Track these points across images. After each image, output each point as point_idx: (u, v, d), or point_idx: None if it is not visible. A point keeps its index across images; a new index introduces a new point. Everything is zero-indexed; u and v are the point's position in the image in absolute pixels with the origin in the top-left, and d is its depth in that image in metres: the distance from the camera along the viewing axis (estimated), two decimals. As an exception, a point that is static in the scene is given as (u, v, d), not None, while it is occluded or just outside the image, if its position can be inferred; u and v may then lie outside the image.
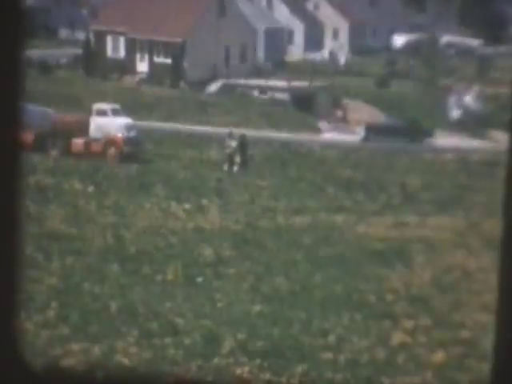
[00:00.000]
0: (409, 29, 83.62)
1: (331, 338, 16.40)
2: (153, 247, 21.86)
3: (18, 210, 3.23)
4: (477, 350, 15.75)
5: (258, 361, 15.18)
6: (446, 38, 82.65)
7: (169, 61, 54.58)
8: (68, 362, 14.43)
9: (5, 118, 3.10)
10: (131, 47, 55.71)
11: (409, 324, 17.16)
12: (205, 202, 27.40)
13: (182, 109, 46.91)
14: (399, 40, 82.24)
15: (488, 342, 16.10)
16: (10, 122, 3.13)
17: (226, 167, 32.72)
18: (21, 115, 3.15)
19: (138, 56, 55.78)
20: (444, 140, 46.65)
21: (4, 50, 3.08)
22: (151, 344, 15.72)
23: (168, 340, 15.93)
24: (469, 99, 56.83)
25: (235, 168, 32.78)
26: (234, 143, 33.29)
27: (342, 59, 73.10)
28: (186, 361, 15.17)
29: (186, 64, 54.49)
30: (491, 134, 50.51)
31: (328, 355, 15.59)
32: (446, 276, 20.63)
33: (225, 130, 36.70)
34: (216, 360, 15.26)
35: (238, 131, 36.16)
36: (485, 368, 14.94)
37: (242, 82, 53.64)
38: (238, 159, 33.09)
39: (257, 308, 17.92)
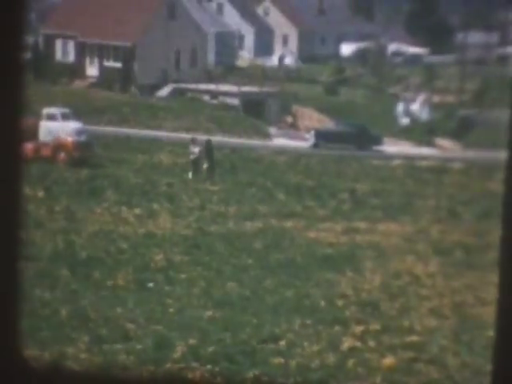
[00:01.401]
0: (357, 37, 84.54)
1: (282, 343, 16.48)
2: (103, 252, 21.75)
3: (18, 211, 3.25)
4: (425, 354, 15.99)
5: (209, 366, 15.19)
6: (393, 47, 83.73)
7: (119, 65, 54.32)
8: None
9: (4, 123, 3.12)
10: (81, 51, 55.29)
11: (359, 329, 17.32)
12: (156, 206, 27.36)
13: (133, 113, 46.71)
14: (347, 48, 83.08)
15: (436, 347, 16.39)
16: (9, 128, 3.14)
17: (190, 175, 32.48)
18: (21, 121, 3.17)
19: (87, 60, 55.40)
20: (392, 147, 47.27)
21: (4, 53, 3.09)
22: (102, 350, 15.64)
23: (119, 345, 15.85)
24: (416, 107, 57.67)
25: (202, 174, 32.56)
26: (197, 149, 33.14)
27: (292, 65, 73.57)
28: (137, 366, 15.13)
29: (136, 68, 54.27)
30: (438, 142, 51.32)
31: (279, 360, 15.66)
32: (395, 281, 20.89)
33: (175, 135, 36.67)
34: (167, 365, 15.24)
35: (191, 136, 36.12)
36: (433, 371, 15.19)
37: (193, 86, 53.65)
38: (204, 165, 32.95)
39: (208, 313, 17.94)
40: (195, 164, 32.78)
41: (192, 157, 32.97)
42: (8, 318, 3.26)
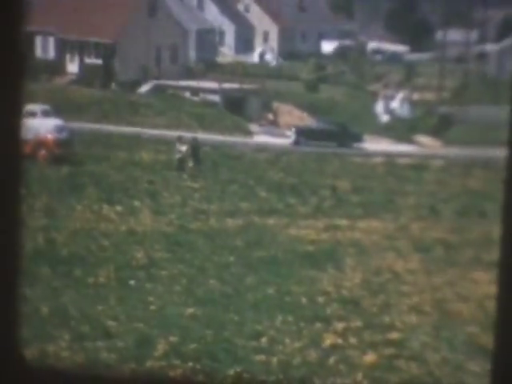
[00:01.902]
0: (337, 35, 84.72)
1: (264, 340, 16.52)
2: (85, 250, 21.68)
3: (17, 212, 3.24)
4: (406, 351, 16.09)
5: (190, 363, 15.20)
6: (372, 45, 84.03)
7: (99, 61, 54.11)
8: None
9: (4, 122, 3.11)
10: (61, 48, 55.03)
11: (340, 326, 17.40)
12: (137, 204, 27.30)
13: (114, 110, 46.56)
14: (328, 46, 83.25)
15: (417, 343, 16.49)
16: (10, 127, 3.13)
17: (176, 173, 32.38)
18: (21, 119, 3.16)
19: (68, 57, 55.14)
20: (373, 144, 47.41)
21: (5, 53, 3.08)
22: (83, 347, 15.61)
23: (100, 343, 15.83)
24: (396, 104, 57.89)
25: (188, 171, 32.46)
26: (184, 148, 33.04)
27: (273, 62, 73.60)
28: (118, 364, 15.12)
29: (116, 65, 54.09)
30: (418, 139, 51.52)
31: (261, 357, 15.70)
32: (376, 278, 20.98)
33: (156, 132, 36.60)
34: (149, 363, 15.24)
35: (172, 133, 36.05)
36: (414, 368, 15.29)
37: (174, 83, 53.54)
38: (190, 163, 32.86)
39: (190, 310, 17.94)
40: (181, 162, 32.71)
41: (178, 155, 32.89)
42: (7, 317, 3.25)
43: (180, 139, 33.82)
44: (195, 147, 33.34)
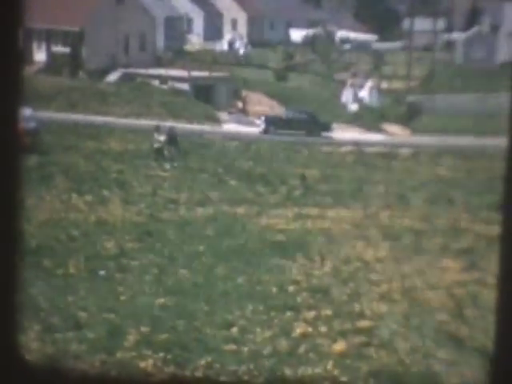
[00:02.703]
0: (306, 23, 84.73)
1: (234, 330, 16.54)
2: (54, 240, 21.55)
3: (17, 210, 3.21)
4: (376, 339, 16.20)
5: (161, 354, 15.19)
6: (341, 34, 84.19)
7: (67, 50, 53.66)
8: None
9: (3, 117, 3.08)
10: (28, 36, 54.45)
11: (310, 315, 17.46)
12: (106, 193, 27.17)
13: (82, 99, 46.24)
14: (296, 34, 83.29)
15: (386, 331, 16.61)
16: (8, 122, 3.10)
17: (154, 163, 32.24)
18: (19, 115, 3.13)
19: (35, 45, 54.60)
20: (341, 133, 47.59)
21: (2, 49, 3.05)
22: (53, 339, 15.53)
23: (71, 334, 15.76)
24: (364, 93, 58.13)
25: (167, 163, 32.29)
26: (162, 137, 32.86)
27: (241, 50, 73.48)
28: (89, 355, 15.06)
29: (84, 53, 53.68)
30: (386, 127, 51.80)
31: (231, 347, 15.71)
32: (345, 267, 21.08)
33: (126, 121, 36.43)
34: (120, 354, 15.20)
35: (143, 122, 35.90)
36: (384, 356, 15.40)
37: (142, 71, 53.29)
38: (166, 153, 32.70)
39: (160, 300, 17.90)
40: (159, 152, 32.56)
41: (156, 145, 32.73)
42: (7, 317, 3.24)
43: (158, 129, 33.69)
44: (173, 137, 33.21)
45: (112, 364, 14.75)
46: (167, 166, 32.19)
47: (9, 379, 3.22)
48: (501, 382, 2.89)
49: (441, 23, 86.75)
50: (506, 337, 2.87)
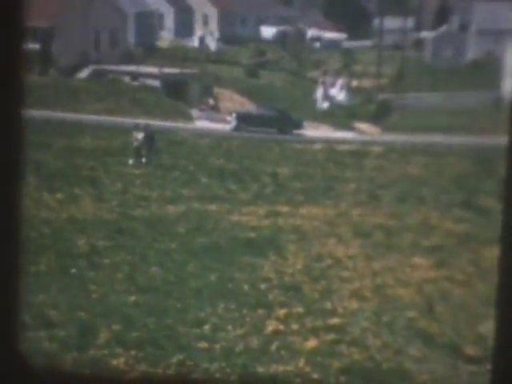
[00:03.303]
0: (276, 20, 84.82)
1: (207, 328, 16.57)
2: (25, 238, 21.40)
3: (17, 211, 3.21)
4: (347, 336, 16.31)
5: (133, 352, 15.18)
6: (311, 32, 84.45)
7: (37, 46, 53.25)
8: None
9: (5, 119, 3.08)
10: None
11: (282, 312, 17.54)
12: (78, 191, 27.05)
13: (52, 96, 45.94)
14: (267, 31, 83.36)
15: (358, 328, 16.74)
16: (11, 124, 3.10)
17: (131, 161, 32.08)
18: (22, 117, 3.13)
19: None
20: (313, 131, 47.74)
21: (5, 51, 3.05)
22: (25, 337, 15.45)
23: (42, 333, 15.71)
24: (335, 91, 58.33)
25: (143, 161, 32.12)
26: (141, 135, 32.68)
27: (213, 46, 73.38)
28: (61, 353, 15.02)
29: (54, 50, 53.32)
30: (357, 125, 52.05)
31: (204, 344, 15.75)
32: (317, 264, 21.19)
33: (97, 117, 36.27)
34: (91, 352, 15.18)
35: (115, 119, 35.75)
36: (355, 353, 15.52)
37: (113, 67, 53.05)
38: (144, 152, 32.53)
39: (132, 298, 17.89)
40: (138, 150, 32.39)
41: (136, 143, 32.55)
42: (7, 317, 3.25)
43: (137, 127, 33.55)
44: (149, 135, 33.06)
45: (84, 362, 14.72)
46: (144, 164, 32.07)
47: (9, 379, 3.23)
48: (501, 382, 2.92)
49: (410, 22, 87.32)
50: (506, 337, 2.90)
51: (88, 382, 3.41)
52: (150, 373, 14.50)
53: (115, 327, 16.13)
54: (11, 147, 3.16)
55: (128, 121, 39.86)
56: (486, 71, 68.55)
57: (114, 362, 14.93)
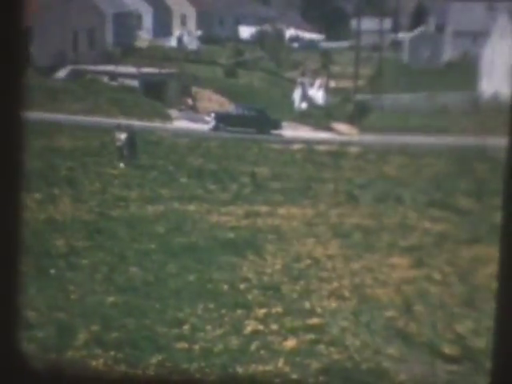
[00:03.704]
0: (255, 20, 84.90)
1: (186, 328, 16.56)
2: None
3: (18, 211, 3.21)
4: (326, 336, 16.37)
5: (112, 352, 15.15)
6: (290, 32, 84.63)
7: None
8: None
9: (6, 120, 3.08)
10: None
11: (261, 312, 17.57)
12: (56, 191, 26.94)
13: (30, 96, 45.67)
14: (245, 31, 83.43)
15: (337, 328, 16.80)
16: (12, 124, 3.11)
17: (121, 164, 31.97)
18: (22, 118, 3.14)
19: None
20: (291, 131, 47.86)
21: (5, 53, 3.05)
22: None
23: (20, 334, 15.63)
24: (313, 92, 58.50)
25: (124, 162, 32.02)
26: (123, 136, 32.56)
27: (191, 46, 73.33)
28: (39, 355, 14.96)
29: (32, 50, 53.04)
30: (335, 126, 52.21)
31: (183, 345, 15.74)
32: (296, 264, 21.24)
33: (75, 118, 36.14)
34: (70, 353, 15.13)
35: (93, 120, 35.62)
36: (334, 353, 15.58)
37: (91, 67, 52.89)
38: (126, 152, 32.42)
39: (111, 299, 17.85)
40: (120, 151, 32.28)
41: (118, 143, 32.44)
42: (7, 318, 3.25)
43: (119, 127, 33.45)
44: (131, 135, 32.96)
45: (62, 363, 14.68)
46: (126, 164, 31.98)
47: (9, 379, 3.24)
48: (501, 382, 2.94)
49: (387, 23, 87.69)
50: (506, 337, 2.93)
51: (88, 381, 3.43)
52: (151, 373, 14.49)
53: (94, 328, 16.08)
54: (11, 149, 3.18)
55: (106, 121, 39.73)
56: (462, 72, 69.00)
57: (93, 363, 14.89)
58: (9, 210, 3.27)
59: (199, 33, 79.04)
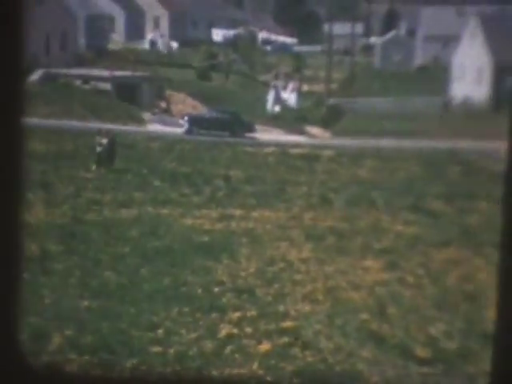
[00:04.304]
0: (228, 23, 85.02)
1: (160, 332, 16.57)
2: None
3: (18, 211, 3.24)
4: (300, 339, 16.45)
5: (87, 357, 15.12)
6: (262, 35, 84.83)
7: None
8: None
9: (7, 121, 3.11)
10: None
11: (235, 316, 17.61)
12: (29, 196, 26.80)
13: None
14: (218, 34, 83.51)
15: (311, 331, 16.89)
16: (12, 126, 3.13)
17: (94, 167, 31.82)
18: (23, 120, 3.16)
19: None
20: (264, 134, 47.99)
21: (5, 54, 3.07)
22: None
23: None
24: (286, 95, 58.71)
25: (104, 167, 31.84)
26: (105, 140, 32.40)
27: (164, 49, 73.24)
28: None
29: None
30: (308, 129, 52.43)
31: (157, 349, 15.74)
32: (270, 267, 21.31)
33: (48, 121, 35.97)
34: (44, 357, 15.08)
35: (65, 123, 35.47)
36: (308, 355, 15.67)
37: (64, 71, 52.69)
38: (105, 157, 32.23)
39: (85, 303, 17.81)
40: (100, 156, 32.11)
41: (99, 149, 32.26)
42: (7, 318, 3.28)
43: (101, 132, 33.32)
44: (111, 140, 32.84)
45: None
46: (105, 169, 31.85)
47: (9, 379, 3.27)
48: (501, 382, 3.00)
49: (359, 28, 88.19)
50: (506, 336, 2.98)
51: (88, 382, 3.47)
52: (151, 373, 14.48)
53: (68, 332, 16.03)
54: (11, 155, 3.22)
55: (79, 124, 39.60)
56: (433, 76, 69.55)
57: (68, 367, 14.85)
58: (9, 214, 3.32)
59: (172, 35, 79.01)
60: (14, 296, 3.44)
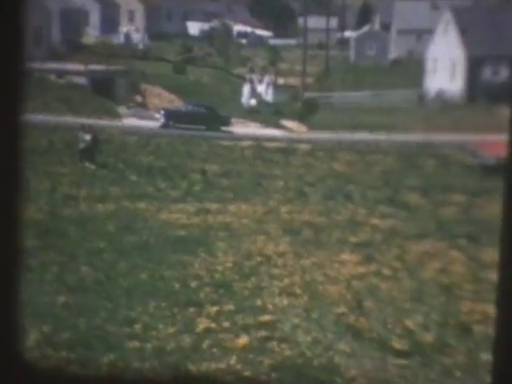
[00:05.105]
0: (203, 16, 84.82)
1: (137, 327, 16.53)
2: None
3: (17, 211, 3.21)
4: (278, 333, 16.49)
5: (64, 353, 15.06)
6: (237, 28, 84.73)
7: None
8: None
9: (6, 121, 3.08)
10: None
11: (213, 310, 17.61)
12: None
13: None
14: (193, 27, 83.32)
15: (288, 325, 16.94)
16: (11, 125, 3.10)
17: (80, 163, 31.57)
18: (22, 119, 3.14)
19: None
20: (240, 128, 47.97)
21: (4, 53, 3.04)
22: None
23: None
24: (262, 89, 58.69)
25: (91, 162, 31.57)
26: (88, 137, 32.06)
27: (139, 43, 72.94)
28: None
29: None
30: (284, 123, 52.46)
31: (135, 344, 15.71)
32: (247, 261, 21.33)
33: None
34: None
35: (41, 118, 35.21)
36: (286, 349, 15.71)
37: (38, 65, 52.30)
38: (89, 153, 31.95)
39: (61, 299, 17.73)
40: (83, 152, 31.83)
41: (82, 145, 31.97)
42: (7, 318, 3.25)
43: (84, 128, 33.02)
44: (94, 136, 32.57)
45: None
46: (91, 165, 31.67)
47: (9, 379, 3.25)
48: (501, 382, 2.98)
49: (333, 22, 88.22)
50: (506, 336, 2.96)
51: (88, 382, 3.45)
52: (152, 373, 14.42)
53: (45, 328, 15.96)
54: (10, 152, 3.20)
55: (54, 119, 39.35)
56: (408, 69, 69.82)
57: (45, 363, 14.78)
58: (8, 211, 3.30)
59: (147, 29, 78.71)
60: (13, 296, 3.42)
